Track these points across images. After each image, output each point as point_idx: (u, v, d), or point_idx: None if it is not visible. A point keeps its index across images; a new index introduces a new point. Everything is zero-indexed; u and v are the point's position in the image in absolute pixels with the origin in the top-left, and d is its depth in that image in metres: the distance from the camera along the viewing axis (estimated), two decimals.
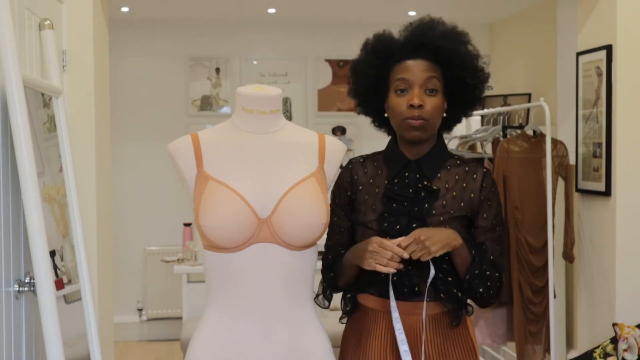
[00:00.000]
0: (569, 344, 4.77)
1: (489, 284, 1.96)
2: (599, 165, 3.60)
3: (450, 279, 1.96)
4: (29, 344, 2.04)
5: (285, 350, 1.87)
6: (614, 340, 3.31)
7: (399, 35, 2.03)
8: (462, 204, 1.98)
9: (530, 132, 4.03)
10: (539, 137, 3.99)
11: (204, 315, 1.92)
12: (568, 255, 4.00)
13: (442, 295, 1.96)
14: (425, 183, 1.98)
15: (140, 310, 6.04)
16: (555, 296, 3.92)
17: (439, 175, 2.00)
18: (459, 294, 1.97)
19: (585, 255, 3.80)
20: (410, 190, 1.97)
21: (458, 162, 2.04)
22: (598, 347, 3.38)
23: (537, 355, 3.96)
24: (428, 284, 1.92)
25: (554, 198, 3.93)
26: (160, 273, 5.91)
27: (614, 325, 3.33)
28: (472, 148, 4.46)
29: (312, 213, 1.85)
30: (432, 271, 1.91)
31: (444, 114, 2.03)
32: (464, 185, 2.00)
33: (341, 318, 2.09)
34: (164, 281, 5.92)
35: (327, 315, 4.42)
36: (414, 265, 1.93)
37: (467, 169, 2.02)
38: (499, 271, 2.00)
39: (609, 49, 3.52)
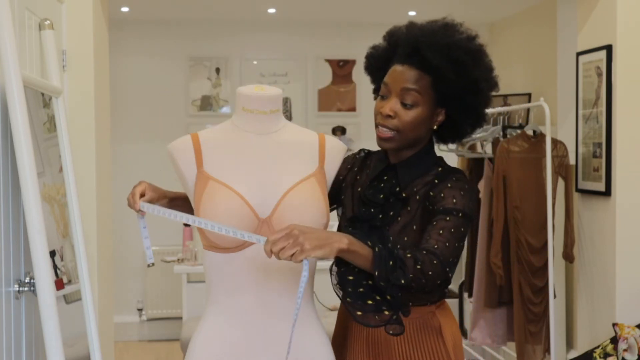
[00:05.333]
0: (569, 344, 4.76)
1: (410, 275, 1.67)
2: (599, 165, 3.59)
3: (361, 289, 1.72)
4: (29, 344, 2.04)
5: (284, 350, 1.87)
6: (614, 340, 3.30)
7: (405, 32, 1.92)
8: (425, 203, 1.85)
9: (530, 132, 4.03)
10: (539, 137, 3.98)
11: (204, 315, 1.92)
12: (568, 255, 4.00)
13: (369, 301, 1.70)
14: (397, 189, 1.89)
15: (140, 310, 6.04)
16: (555, 296, 3.91)
17: (414, 181, 1.90)
18: (378, 297, 1.71)
19: (585, 255, 3.80)
20: (382, 196, 1.90)
21: (439, 169, 1.91)
22: (598, 347, 3.38)
23: (537, 355, 3.96)
24: (301, 289, 1.63)
25: (554, 198, 3.93)
26: (160, 273, 5.91)
27: (614, 325, 3.33)
28: (472, 148, 4.46)
29: (312, 213, 1.85)
30: (305, 274, 1.63)
31: (434, 127, 1.91)
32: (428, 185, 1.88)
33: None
34: (164, 281, 5.92)
35: (327, 315, 4.42)
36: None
37: (440, 170, 1.90)
38: (436, 259, 1.71)
39: (609, 49, 3.52)
